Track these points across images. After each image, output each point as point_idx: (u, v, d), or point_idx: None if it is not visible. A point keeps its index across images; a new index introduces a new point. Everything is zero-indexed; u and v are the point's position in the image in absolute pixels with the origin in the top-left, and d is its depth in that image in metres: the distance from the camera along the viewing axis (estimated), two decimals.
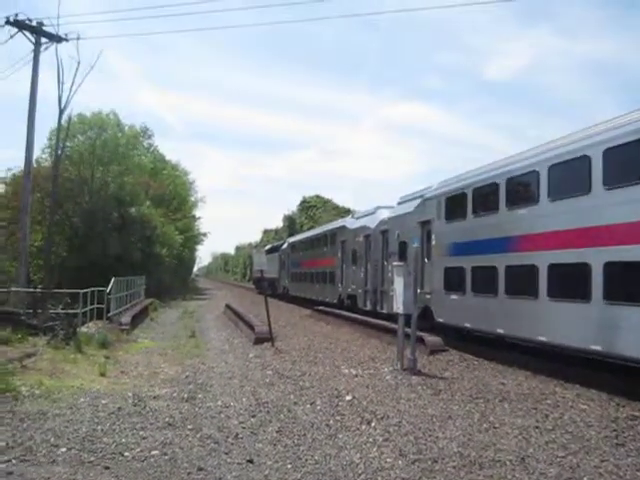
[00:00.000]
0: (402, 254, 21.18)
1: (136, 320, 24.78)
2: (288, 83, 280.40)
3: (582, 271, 12.34)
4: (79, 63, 25.87)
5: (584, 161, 12.63)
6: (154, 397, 10.85)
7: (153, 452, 7.55)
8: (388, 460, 7.45)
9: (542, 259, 13.78)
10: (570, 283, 13.07)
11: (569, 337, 12.94)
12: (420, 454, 7.70)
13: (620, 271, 11.57)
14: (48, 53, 24.91)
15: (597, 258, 12.03)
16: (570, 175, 13.40)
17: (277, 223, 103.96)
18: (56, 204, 32.29)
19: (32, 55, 24.50)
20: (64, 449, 7.55)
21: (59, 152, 30.54)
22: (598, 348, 12.07)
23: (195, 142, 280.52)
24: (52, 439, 7.94)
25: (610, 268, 11.71)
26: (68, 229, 39.70)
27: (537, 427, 9.21)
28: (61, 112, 27.13)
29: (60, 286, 24.64)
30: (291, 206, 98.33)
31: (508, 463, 7.38)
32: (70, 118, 33.99)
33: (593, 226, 12.34)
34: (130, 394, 10.96)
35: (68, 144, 38.63)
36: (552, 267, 13.45)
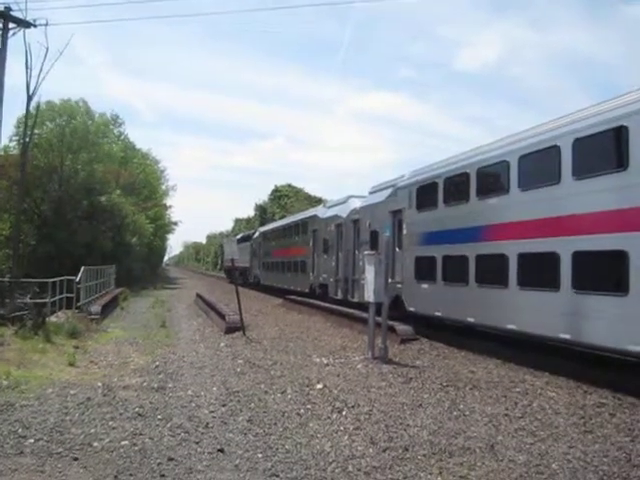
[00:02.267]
0: (373, 243, 21.24)
1: (106, 309, 24.55)
2: (258, 72, 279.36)
3: (551, 260, 12.46)
4: (47, 49, 25.54)
5: (554, 151, 12.72)
6: (124, 387, 10.77)
7: (123, 442, 7.49)
8: (359, 448, 7.48)
9: (512, 248, 13.88)
10: (539, 272, 13.18)
11: (538, 325, 13.05)
12: (391, 442, 7.74)
13: (588, 260, 11.69)
14: (16, 39, 24.41)
15: (566, 247, 12.14)
16: (540, 165, 13.49)
17: (249, 212, 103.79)
18: (24, 192, 31.87)
19: None
20: (32, 440, 7.46)
21: (27, 139, 30.12)
22: (567, 336, 12.20)
23: (165, 130, 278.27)
24: (20, 430, 7.85)
25: (578, 257, 11.83)
26: (37, 218, 39.22)
27: (506, 415, 9.31)
28: (29, 99, 26.77)
29: (29, 275, 24.30)
30: (262, 195, 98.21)
31: (478, 450, 7.45)
32: (39, 105, 33.56)
33: (562, 215, 12.45)
34: (99, 384, 10.87)
35: (37, 131, 38.14)
36: (522, 256, 13.55)
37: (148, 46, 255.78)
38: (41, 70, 25.79)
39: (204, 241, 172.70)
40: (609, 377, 11.46)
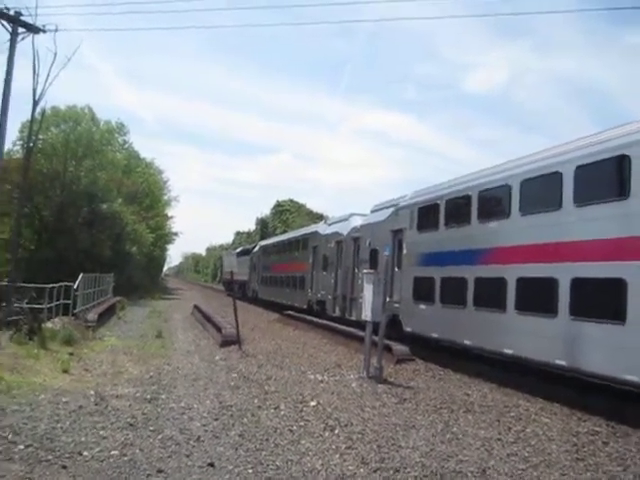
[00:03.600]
0: (373, 262, 21.22)
1: (103, 318, 24.54)
2: (265, 87, 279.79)
3: (550, 286, 12.45)
4: (55, 55, 25.64)
5: (556, 177, 12.75)
6: (117, 396, 10.73)
7: (112, 452, 7.45)
8: (350, 467, 7.43)
9: (511, 272, 13.87)
10: (537, 297, 13.16)
11: (535, 351, 13.03)
12: (382, 463, 7.69)
13: (587, 287, 11.68)
14: (23, 44, 24.49)
15: (565, 273, 12.14)
16: (541, 191, 13.53)
17: (250, 226, 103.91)
18: (26, 197, 31.89)
19: (8, 45, 24.14)
20: (22, 446, 7.42)
21: (31, 144, 30.19)
22: (563, 363, 12.17)
23: (169, 141, 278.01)
24: (10, 436, 7.81)
25: (577, 284, 11.83)
26: (37, 222, 39.28)
27: (499, 439, 9.27)
28: (35, 104, 26.83)
29: (27, 280, 24.25)
30: (264, 209, 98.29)
31: (469, 474, 7.41)
32: (44, 110, 33.62)
33: (562, 242, 12.46)
34: (92, 392, 10.83)
35: (41, 137, 38.21)
36: (520, 281, 13.54)
37: (155, 56, 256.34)
38: (48, 76, 25.88)
39: (204, 253, 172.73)
40: (603, 405, 11.42)
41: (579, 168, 12.15)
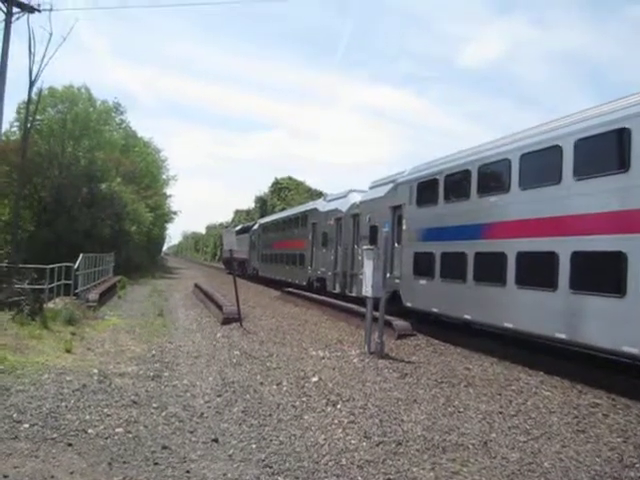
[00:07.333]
0: (373, 238, 21.23)
1: (104, 297, 24.56)
2: (261, 63, 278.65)
3: (549, 260, 12.46)
4: (51, 35, 25.47)
5: (555, 151, 12.70)
6: (120, 375, 10.79)
7: (117, 430, 7.52)
8: (352, 442, 7.50)
9: (511, 247, 13.87)
10: (537, 271, 13.18)
11: (535, 324, 13.08)
12: (384, 436, 7.77)
13: (586, 261, 11.69)
14: (19, 23, 24.37)
15: (564, 247, 12.14)
16: (541, 165, 13.48)
17: (249, 204, 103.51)
18: (24, 178, 31.82)
19: (3, 25, 24.00)
20: (27, 425, 7.48)
21: (28, 125, 30.08)
22: (563, 336, 12.22)
23: (167, 119, 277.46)
24: (15, 415, 7.87)
25: (577, 258, 11.83)
26: (36, 204, 39.13)
27: (500, 412, 9.34)
28: (31, 84, 26.71)
29: (27, 261, 24.26)
30: (263, 187, 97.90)
31: (471, 447, 7.48)
32: (40, 91, 33.46)
33: (562, 216, 12.45)
34: (95, 371, 10.89)
35: (38, 117, 38.04)
36: (520, 255, 13.56)
37: (151, 34, 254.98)
38: (44, 56, 25.72)
39: (203, 231, 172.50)
40: (604, 378, 11.48)
41: (579, 141, 12.10)
